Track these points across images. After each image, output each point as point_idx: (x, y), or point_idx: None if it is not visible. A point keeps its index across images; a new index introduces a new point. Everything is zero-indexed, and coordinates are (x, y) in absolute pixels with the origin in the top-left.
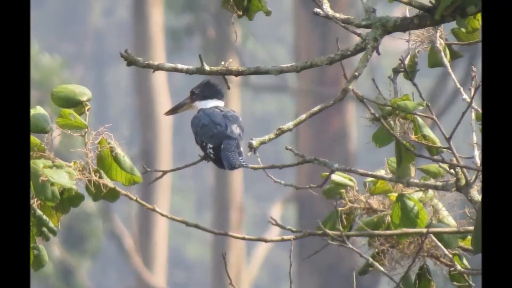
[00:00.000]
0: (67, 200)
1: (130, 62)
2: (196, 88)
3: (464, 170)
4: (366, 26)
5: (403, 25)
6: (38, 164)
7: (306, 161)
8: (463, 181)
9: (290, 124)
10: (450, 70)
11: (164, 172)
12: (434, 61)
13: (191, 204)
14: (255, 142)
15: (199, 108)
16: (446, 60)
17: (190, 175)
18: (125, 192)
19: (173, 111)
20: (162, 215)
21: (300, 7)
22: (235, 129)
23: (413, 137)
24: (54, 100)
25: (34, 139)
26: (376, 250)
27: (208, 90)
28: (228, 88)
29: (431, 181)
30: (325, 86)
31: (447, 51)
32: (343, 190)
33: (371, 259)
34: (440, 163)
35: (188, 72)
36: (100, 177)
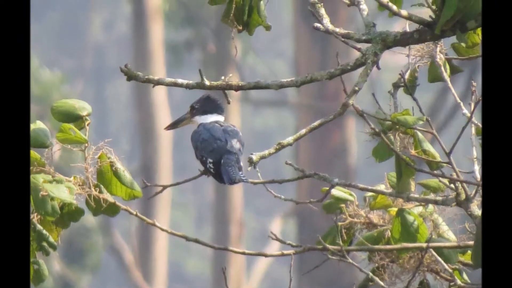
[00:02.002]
0: (67, 215)
1: (130, 76)
2: (196, 103)
3: (464, 184)
4: (366, 41)
5: (403, 39)
6: (38, 179)
7: (306, 175)
8: (463, 196)
9: (290, 139)
10: (450, 85)
11: (164, 187)
12: (434, 76)
13: (191, 218)
14: (255, 157)
15: (199, 122)
16: (446, 75)
17: (190, 189)
18: (125, 206)
19: (173, 125)
20: (162, 229)
21: (300, 22)
22: (235, 144)
23: (413, 151)
24: (54, 114)
25: (34, 154)
26: (376, 264)
27: (208, 105)
28: (228, 102)
29: (431, 196)
30: (325, 100)
31: (447, 66)
32: (343, 205)
33: (371, 274)
34: (440, 178)
35: (188, 86)
36: (100, 192)
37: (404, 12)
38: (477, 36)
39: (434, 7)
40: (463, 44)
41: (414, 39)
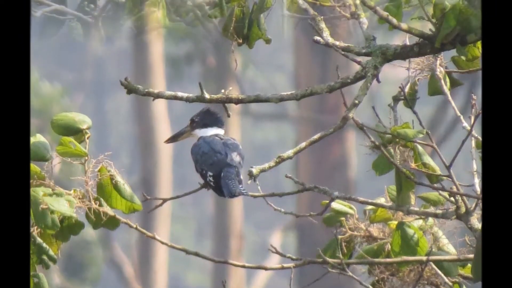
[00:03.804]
0: (67, 228)
1: (130, 90)
2: (196, 116)
3: (464, 198)
4: (366, 54)
5: (403, 53)
6: (38, 192)
7: (306, 189)
8: (463, 209)
9: (290, 152)
10: (450, 98)
11: (164, 200)
12: (434, 89)
13: (191, 232)
14: (255, 170)
15: (199, 136)
16: (446, 88)
17: (190, 203)
18: (125, 220)
19: (173, 139)
20: (162, 243)
21: (300, 35)
22: (235, 157)
23: (413, 165)
24: (54, 128)
25: (34, 167)
26: (376, 278)
27: (208, 118)
28: (228, 116)
29: (431, 209)
30: (325, 114)
31: (447, 79)
32: (343, 218)
33: (371, 287)
34: (440, 191)
35: (188, 100)
36: (100, 205)
37: (404, 26)
38: (477, 50)
39: (434, 20)
40: (463, 57)
41: (414, 52)
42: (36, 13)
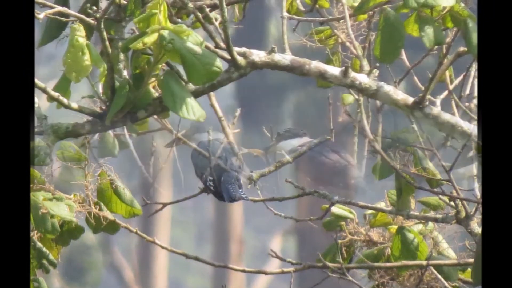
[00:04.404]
0: (67, 233)
1: None
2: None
3: (464, 202)
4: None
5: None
6: (38, 196)
7: (306, 193)
8: (463, 214)
9: (290, 157)
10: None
11: (164, 205)
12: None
13: (191, 236)
14: (255, 175)
15: (199, 140)
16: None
17: (190, 207)
18: (125, 224)
19: (173, 143)
20: (162, 247)
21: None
22: (235, 161)
23: (413, 169)
24: (54, 132)
25: (34, 171)
26: (376, 282)
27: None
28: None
29: (431, 214)
30: (325, 118)
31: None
32: (343, 223)
33: None
34: (440, 196)
35: None
36: (100, 209)
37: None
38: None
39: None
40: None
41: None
42: (39, 15)
